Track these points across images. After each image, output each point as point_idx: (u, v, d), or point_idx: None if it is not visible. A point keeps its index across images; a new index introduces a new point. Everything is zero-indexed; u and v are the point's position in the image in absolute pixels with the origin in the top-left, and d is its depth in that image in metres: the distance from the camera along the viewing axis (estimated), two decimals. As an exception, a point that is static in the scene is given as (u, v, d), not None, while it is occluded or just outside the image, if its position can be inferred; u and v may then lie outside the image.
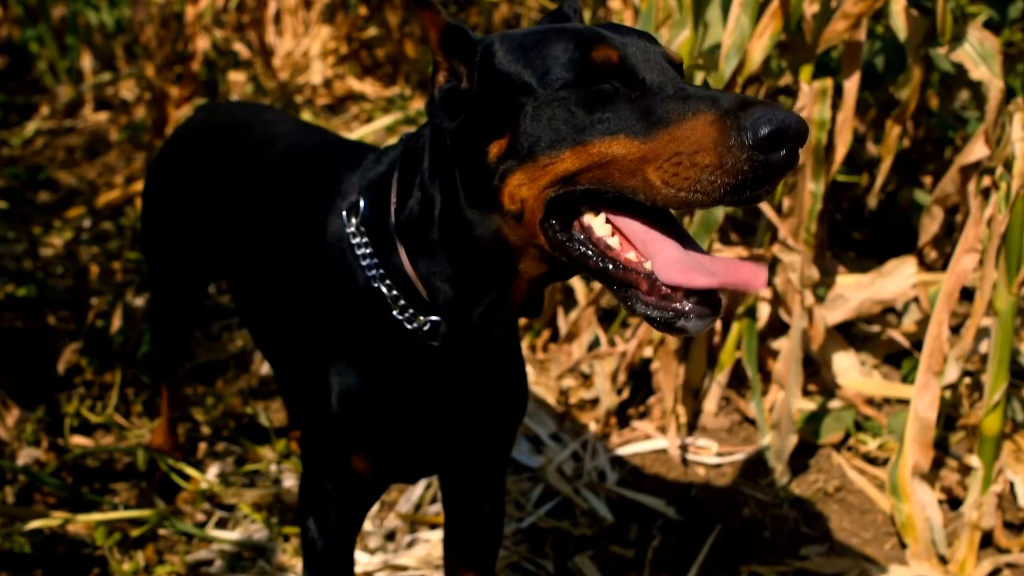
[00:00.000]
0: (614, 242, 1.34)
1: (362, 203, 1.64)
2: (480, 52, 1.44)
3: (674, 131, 1.23)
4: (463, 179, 1.46)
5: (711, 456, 3.14)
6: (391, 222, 1.59)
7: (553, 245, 1.36)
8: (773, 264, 3.20)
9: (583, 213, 1.35)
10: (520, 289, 1.52)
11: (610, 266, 1.33)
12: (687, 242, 1.33)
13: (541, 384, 3.46)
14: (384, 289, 1.59)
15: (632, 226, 1.33)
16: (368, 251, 1.61)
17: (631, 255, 1.33)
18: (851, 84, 3.08)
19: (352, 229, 1.63)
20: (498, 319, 1.57)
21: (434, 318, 1.57)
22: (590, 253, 1.34)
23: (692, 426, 3.27)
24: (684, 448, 3.15)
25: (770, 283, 3.27)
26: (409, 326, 1.59)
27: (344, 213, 1.65)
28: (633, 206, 1.31)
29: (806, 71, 3.02)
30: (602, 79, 1.32)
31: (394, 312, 1.59)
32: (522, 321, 3.77)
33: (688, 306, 1.27)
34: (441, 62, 1.48)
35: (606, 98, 1.31)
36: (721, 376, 3.28)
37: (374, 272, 1.60)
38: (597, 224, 1.34)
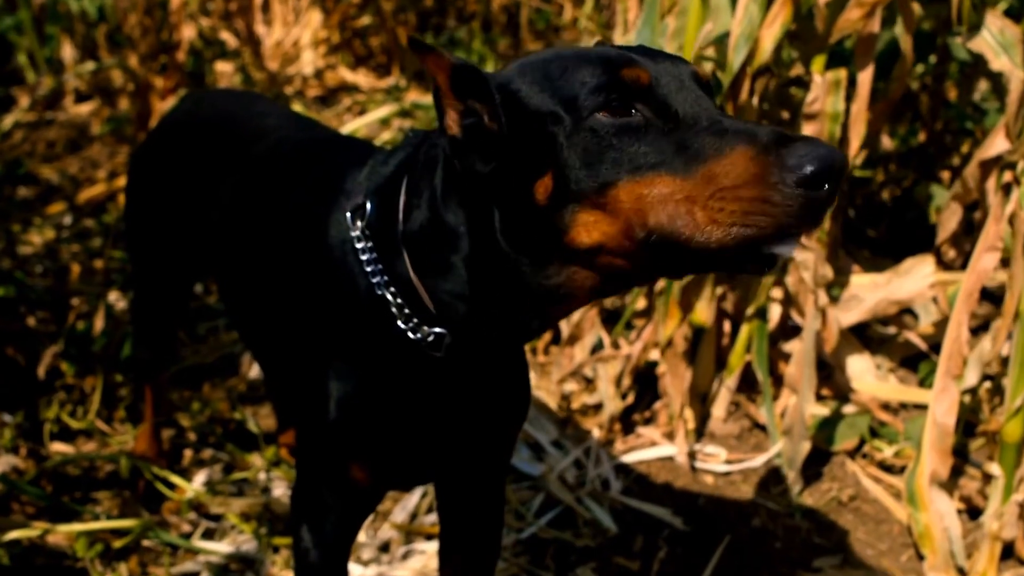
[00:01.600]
0: None
1: (369, 206, 1.62)
2: (500, 91, 1.41)
3: (713, 167, 1.23)
4: (506, 223, 1.43)
5: (720, 464, 3.14)
6: (398, 230, 1.57)
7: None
8: (785, 263, 3.19)
9: None
10: (554, 314, 1.51)
11: None
12: None
13: (542, 388, 3.46)
14: (388, 296, 1.58)
15: None
16: (373, 256, 1.60)
17: None
18: (865, 75, 3.07)
19: (357, 232, 1.62)
20: (514, 338, 1.56)
21: (438, 330, 1.57)
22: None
23: (700, 432, 3.26)
24: (691, 455, 3.14)
25: (782, 283, 3.27)
26: (413, 336, 1.58)
27: (349, 215, 1.64)
28: None
29: (818, 61, 3.02)
30: (632, 106, 1.31)
31: (398, 321, 1.58)
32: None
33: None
34: (453, 104, 1.44)
35: (639, 131, 1.30)
36: (730, 380, 3.28)
37: (378, 279, 1.59)
38: None
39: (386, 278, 1.59)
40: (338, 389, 1.68)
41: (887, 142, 4.24)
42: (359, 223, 1.62)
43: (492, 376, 1.73)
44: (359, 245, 1.61)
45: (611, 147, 1.30)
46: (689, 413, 3.20)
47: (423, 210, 1.54)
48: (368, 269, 1.60)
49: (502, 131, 1.40)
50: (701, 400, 3.30)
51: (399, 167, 1.63)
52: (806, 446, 3.00)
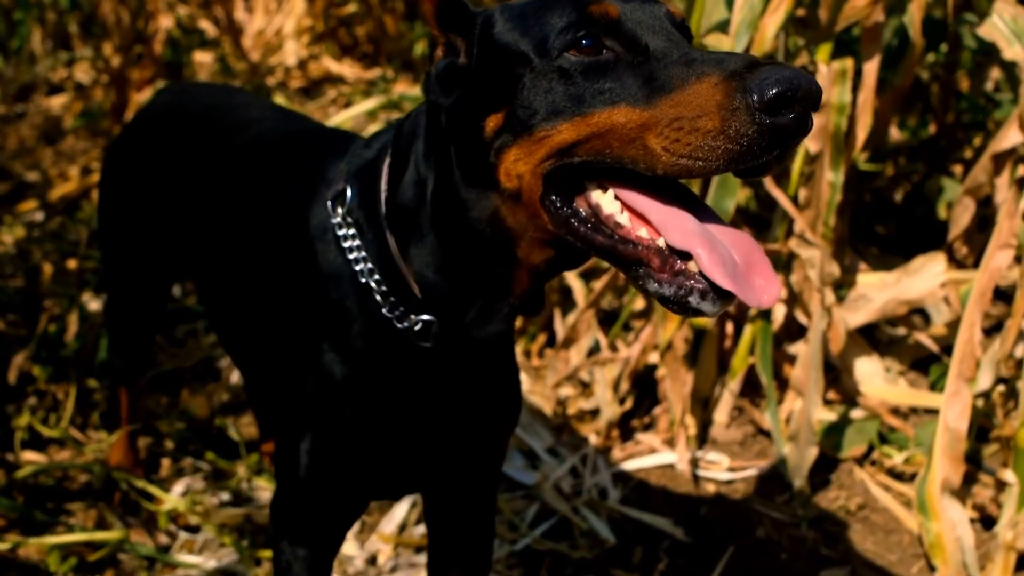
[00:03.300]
0: (624, 219, 1.35)
1: (349, 191, 1.65)
2: (480, 25, 1.46)
3: (677, 96, 1.25)
4: (459, 157, 1.48)
5: (722, 471, 3.14)
6: (381, 211, 1.60)
7: (557, 223, 1.38)
8: (789, 260, 3.20)
9: (588, 189, 1.37)
10: (520, 280, 1.52)
11: (619, 244, 1.34)
12: (703, 212, 1.34)
13: (537, 393, 3.46)
14: (373, 284, 1.60)
15: (643, 202, 1.34)
16: (356, 243, 1.62)
17: (643, 232, 1.34)
18: (871, 65, 3.08)
19: (338, 219, 1.64)
20: (496, 316, 1.57)
21: (426, 317, 1.58)
22: (597, 231, 1.36)
23: (701, 438, 3.27)
24: (693, 463, 3.15)
25: (786, 281, 3.27)
26: (399, 325, 1.59)
27: (329, 202, 1.66)
28: (642, 180, 1.33)
29: (824, 50, 3.03)
30: (602, 43, 1.34)
31: (383, 309, 1.60)
32: (516, 323, 3.77)
33: (703, 284, 1.28)
34: (438, 37, 1.51)
35: (606, 67, 1.33)
36: (733, 384, 3.29)
37: (362, 266, 1.61)
38: (605, 201, 1.36)
39: (369, 265, 1.61)
40: (322, 387, 1.68)
41: (896, 135, 4.25)
42: (340, 210, 1.64)
43: (480, 374, 1.74)
44: (340, 232, 1.63)
45: (575, 85, 1.33)
46: (690, 418, 3.20)
47: (408, 176, 1.57)
48: (351, 257, 1.62)
49: (471, 65, 1.46)
50: (703, 405, 3.30)
51: (381, 150, 1.66)
52: (812, 452, 3.00)
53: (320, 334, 1.68)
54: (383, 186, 1.60)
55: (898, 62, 3.52)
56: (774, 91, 1.18)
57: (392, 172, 1.60)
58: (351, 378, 1.67)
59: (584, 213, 1.37)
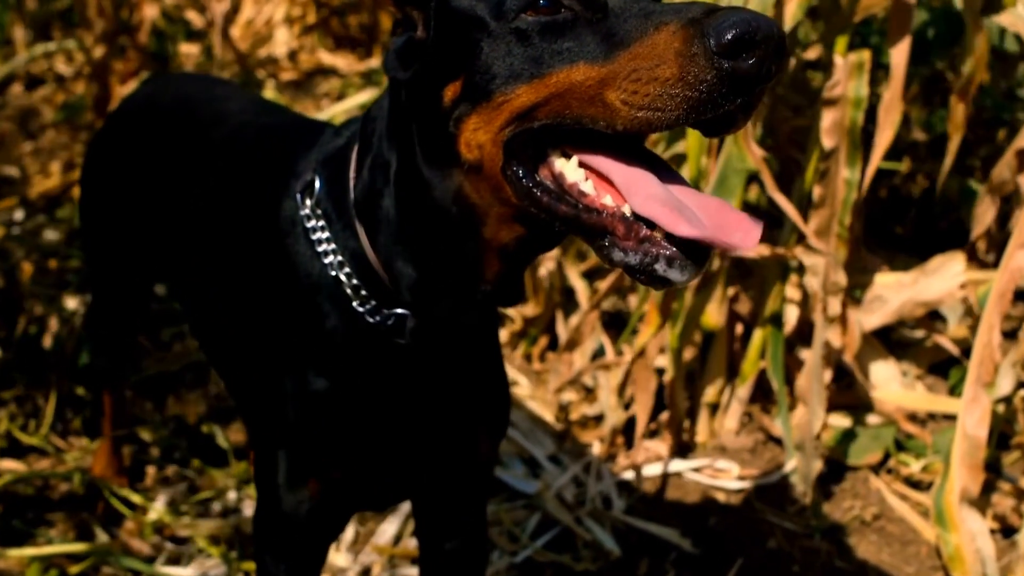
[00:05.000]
0: (588, 187, 1.36)
1: (317, 181, 1.66)
2: None
3: (635, 49, 1.26)
4: (419, 133, 1.49)
5: (731, 480, 3.14)
6: (350, 200, 1.61)
7: (519, 194, 1.38)
8: (801, 262, 3.20)
9: (550, 157, 1.38)
10: (491, 264, 1.53)
11: (583, 212, 1.35)
12: (668, 175, 1.36)
13: (538, 398, 3.46)
14: (343, 277, 1.61)
15: (607, 164, 1.36)
16: (325, 235, 1.63)
17: (607, 200, 1.35)
18: (899, 57, 3.04)
19: (307, 211, 1.65)
20: (470, 304, 1.58)
21: (399, 311, 1.59)
22: (561, 200, 1.36)
23: (710, 446, 3.27)
24: (700, 471, 3.15)
25: (799, 283, 3.27)
26: (371, 320, 1.60)
27: (298, 194, 1.68)
28: (604, 143, 1.35)
29: (841, 42, 3.03)
30: (559, 2, 1.34)
31: (355, 304, 1.61)
32: (515, 327, 3.78)
33: (671, 251, 1.29)
34: (394, 12, 1.52)
35: (564, 26, 1.34)
36: (743, 389, 3.29)
37: (332, 259, 1.62)
38: (569, 169, 1.37)
39: (339, 258, 1.62)
40: (294, 390, 1.69)
41: (915, 130, 4.25)
42: (308, 201, 1.66)
43: (462, 370, 1.75)
44: (309, 224, 1.65)
45: (532, 47, 1.34)
46: (699, 425, 3.20)
47: (372, 159, 1.58)
48: (320, 250, 1.63)
49: (429, 37, 1.47)
50: (711, 411, 3.30)
51: (351, 137, 1.68)
52: (817, 465, 3.00)
53: (292, 334, 1.69)
54: (352, 174, 1.62)
55: (919, 55, 3.51)
56: (731, 34, 1.18)
57: (360, 159, 1.61)
58: (325, 378, 1.67)
59: (547, 182, 1.37)
